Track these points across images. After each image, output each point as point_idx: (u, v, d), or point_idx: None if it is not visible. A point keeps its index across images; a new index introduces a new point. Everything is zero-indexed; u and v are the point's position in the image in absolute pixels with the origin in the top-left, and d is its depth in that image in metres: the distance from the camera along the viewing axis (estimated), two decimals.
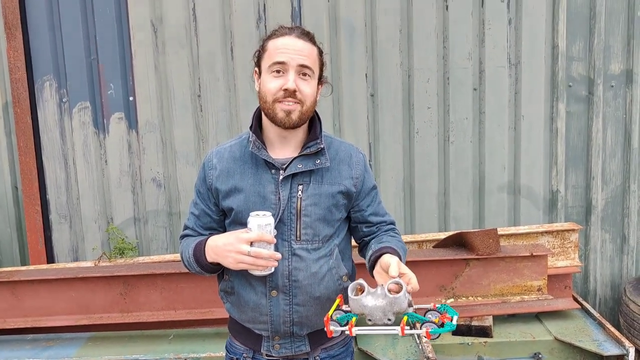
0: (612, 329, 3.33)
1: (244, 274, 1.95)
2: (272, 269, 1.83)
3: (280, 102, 1.86)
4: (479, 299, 3.41)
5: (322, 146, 1.94)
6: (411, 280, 1.71)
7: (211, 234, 1.99)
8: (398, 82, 4.09)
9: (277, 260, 1.82)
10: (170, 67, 4.09)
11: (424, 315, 1.75)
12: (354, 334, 1.70)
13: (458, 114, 4.12)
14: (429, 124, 4.12)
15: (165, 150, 4.18)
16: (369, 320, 1.69)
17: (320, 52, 1.96)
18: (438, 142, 4.16)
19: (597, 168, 4.16)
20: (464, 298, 3.40)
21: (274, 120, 1.89)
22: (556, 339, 3.32)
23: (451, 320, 1.70)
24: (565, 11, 4.01)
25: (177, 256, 3.80)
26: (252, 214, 1.80)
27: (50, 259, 4.27)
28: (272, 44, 1.88)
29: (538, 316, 3.60)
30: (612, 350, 3.19)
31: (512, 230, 3.76)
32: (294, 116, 1.87)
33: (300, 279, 1.94)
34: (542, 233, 3.74)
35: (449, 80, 4.09)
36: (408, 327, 1.67)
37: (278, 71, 1.85)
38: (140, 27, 4.06)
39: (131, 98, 4.13)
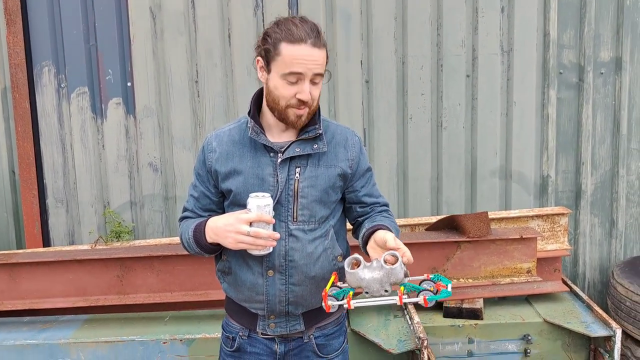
0: (600, 311, 3.40)
1: (241, 255, 2.01)
2: (271, 249, 1.89)
3: (293, 107, 1.91)
4: (470, 280, 3.47)
5: (320, 131, 1.99)
6: (406, 252, 1.77)
7: (210, 216, 2.05)
8: (392, 68, 4.13)
9: (276, 240, 1.87)
10: (168, 53, 4.11)
11: (420, 285, 1.82)
12: (352, 307, 1.76)
13: (451, 100, 4.16)
14: (423, 110, 4.17)
15: (162, 135, 4.20)
16: (366, 292, 1.75)
17: (326, 50, 1.98)
18: (431, 127, 4.20)
19: (586, 153, 4.22)
20: (455, 280, 3.45)
21: (284, 121, 1.95)
22: (545, 321, 3.38)
23: (446, 288, 1.77)
24: (556, 0, 4.06)
25: (174, 239, 3.85)
26: (251, 195, 1.86)
27: (47, 243, 4.28)
28: (288, 52, 1.85)
29: (528, 299, 3.66)
30: (600, 331, 3.26)
31: (504, 214, 3.82)
32: (304, 118, 1.94)
33: (296, 259, 2.00)
34: (532, 217, 3.80)
35: (442, 68, 4.13)
36: (405, 296, 1.74)
37: (292, 80, 1.88)
38: (140, 14, 4.08)
39: (129, 83, 4.15)
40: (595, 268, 4.37)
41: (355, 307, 1.78)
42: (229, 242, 1.87)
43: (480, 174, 4.22)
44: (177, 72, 4.14)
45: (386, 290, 1.74)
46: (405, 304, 3.45)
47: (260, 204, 1.83)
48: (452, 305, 3.47)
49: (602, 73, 4.17)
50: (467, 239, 3.41)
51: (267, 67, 1.92)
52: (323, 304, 1.79)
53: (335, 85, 4.13)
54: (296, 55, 1.85)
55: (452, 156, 4.22)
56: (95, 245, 3.87)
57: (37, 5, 4.08)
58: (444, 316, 3.49)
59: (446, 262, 3.46)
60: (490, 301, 3.61)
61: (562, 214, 3.81)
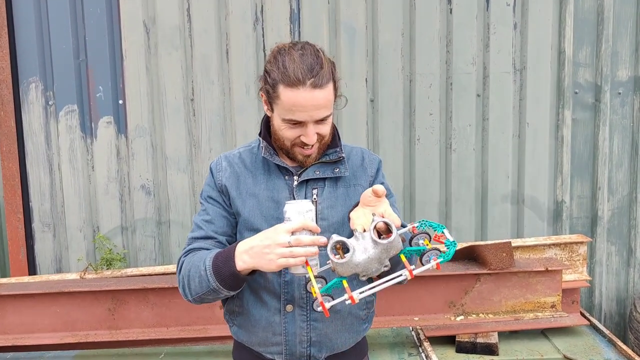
0: (624, 346, 3.24)
1: (255, 289, 1.79)
2: (317, 262, 1.59)
3: (299, 147, 1.74)
4: (490, 316, 3.30)
5: (342, 155, 1.83)
6: (390, 215, 1.54)
7: (229, 242, 1.81)
8: (399, 87, 3.98)
9: (322, 246, 1.58)
10: (162, 69, 3.96)
11: (410, 245, 1.56)
12: (357, 300, 1.49)
13: (461, 121, 4.01)
14: (431, 130, 4.01)
15: (155, 156, 4.04)
16: (363, 276, 1.51)
17: (333, 75, 1.75)
18: (440, 149, 4.05)
19: (603, 178, 4.06)
20: (474, 315, 3.29)
21: (293, 159, 1.80)
22: (565, 357, 3.21)
23: (445, 237, 1.52)
24: (572, 16, 3.91)
25: (168, 268, 3.69)
26: (288, 202, 1.60)
27: (32, 269, 4.11)
28: (286, 97, 1.67)
29: (544, 332, 3.49)
30: None
31: (519, 242, 3.66)
32: (314, 154, 1.78)
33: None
34: (549, 245, 3.65)
35: (451, 86, 3.98)
36: (413, 267, 1.49)
37: (295, 124, 1.70)
38: (132, 28, 3.94)
39: (121, 101, 4.00)
40: (612, 299, 4.20)
41: (360, 299, 1.50)
42: (270, 261, 1.55)
43: (491, 198, 4.07)
44: (172, 90, 3.98)
45: (386, 266, 1.50)
46: (419, 339, 3.26)
47: (300, 209, 1.56)
48: (466, 340, 3.30)
49: (619, 93, 4.02)
50: (488, 271, 3.24)
51: (270, 106, 1.76)
52: (320, 308, 1.53)
53: (338, 103, 3.92)
54: (294, 102, 1.66)
55: (462, 180, 4.06)
56: (85, 274, 3.66)
57: (24, 18, 3.93)
58: (457, 351, 3.31)
59: (464, 295, 3.29)
60: (503, 334, 3.43)
61: (581, 243, 3.64)
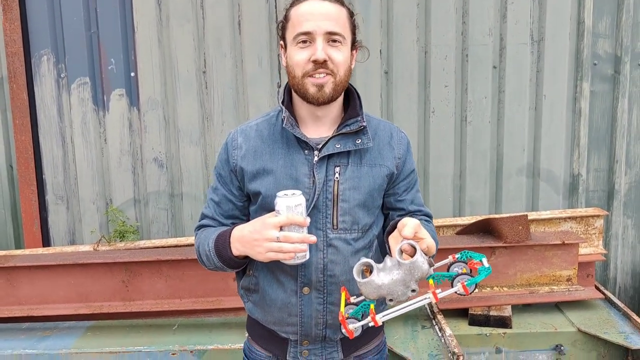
0: (639, 320, 3.19)
1: (270, 269, 1.76)
2: (307, 256, 1.61)
3: (310, 75, 1.67)
4: (505, 289, 3.27)
5: (363, 124, 1.75)
6: (426, 240, 1.52)
7: (234, 224, 1.79)
8: (414, 58, 3.92)
9: (312, 245, 1.62)
10: (174, 41, 3.92)
11: (448, 271, 1.55)
12: (379, 323, 1.50)
13: (477, 93, 3.95)
14: (446, 103, 3.96)
15: (167, 129, 4.02)
16: (390, 300, 1.49)
17: (351, 14, 1.76)
18: (455, 122, 3.99)
19: (621, 151, 4.00)
20: (488, 288, 3.26)
21: (305, 97, 1.71)
22: (579, 330, 3.18)
23: (481, 265, 1.51)
24: None
25: (181, 240, 3.68)
26: (279, 194, 1.59)
27: (46, 241, 4.13)
28: (294, 12, 1.69)
29: (558, 306, 3.46)
30: None
31: (534, 215, 3.62)
32: (327, 89, 1.69)
33: (336, 274, 1.74)
34: (565, 219, 3.61)
35: (467, 58, 3.92)
36: (439, 290, 1.48)
37: (304, 42, 1.66)
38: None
39: (133, 74, 3.97)
40: (627, 272, 4.17)
41: (384, 321, 1.52)
42: (258, 253, 1.60)
43: (506, 171, 4.02)
44: (184, 62, 3.95)
45: (413, 290, 1.48)
46: (432, 311, 3.24)
47: (290, 204, 1.56)
48: (479, 313, 3.27)
49: (639, 64, 3.94)
50: (503, 244, 3.20)
51: (284, 43, 1.74)
52: (344, 330, 1.54)
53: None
54: (302, 11, 1.67)
55: (477, 152, 4.01)
56: (98, 246, 3.66)
57: None
58: (470, 324, 3.29)
59: None
60: (517, 307, 3.41)
61: (597, 216, 3.59)
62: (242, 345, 2.73)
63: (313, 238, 1.59)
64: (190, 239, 3.61)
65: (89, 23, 3.92)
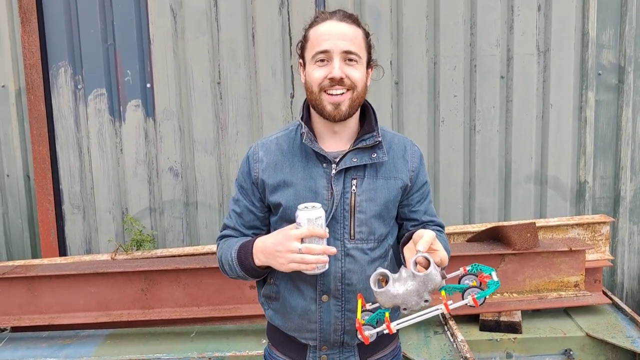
0: None
1: (291, 278, 1.83)
2: (326, 266, 1.69)
3: (326, 91, 1.74)
4: (514, 295, 3.35)
5: (379, 139, 1.81)
6: (439, 252, 1.60)
7: (257, 235, 1.87)
8: (424, 69, 4.00)
9: (332, 255, 1.69)
10: (189, 53, 4.00)
11: (459, 283, 1.63)
12: (394, 331, 1.58)
13: (485, 103, 4.03)
14: (455, 112, 4.04)
15: (183, 139, 4.09)
16: (404, 309, 1.57)
17: (367, 34, 1.83)
18: (464, 131, 4.07)
19: (626, 158, 4.08)
20: (498, 295, 3.33)
21: (322, 113, 1.78)
22: (588, 335, 3.26)
23: (491, 278, 1.59)
24: None
25: (197, 249, 3.75)
26: (300, 207, 1.66)
27: (63, 251, 4.19)
28: (313, 33, 1.77)
29: (567, 311, 3.54)
30: None
31: (542, 222, 3.70)
32: (344, 107, 1.76)
33: (354, 282, 1.81)
34: (572, 225, 3.69)
35: (476, 68, 4.00)
36: (451, 302, 1.55)
37: (322, 60, 1.74)
38: (159, 12, 3.97)
39: (148, 85, 4.04)
40: (634, 278, 4.24)
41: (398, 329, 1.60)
42: (281, 264, 1.68)
43: (514, 179, 4.10)
44: (199, 73, 4.02)
45: (426, 301, 1.55)
46: (444, 317, 3.32)
47: (311, 216, 1.63)
48: (489, 318, 3.36)
49: None
50: (512, 252, 3.29)
51: (303, 62, 1.82)
52: (359, 336, 1.62)
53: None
54: (320, 32, 1.75)
55: (486, 161, 4.08)
56: (115, 254, 3.74)
57: (53, 3, 3.98)
58: (481, 329, 3.37)
59: None
60: (527, 313, 3.50)
61: (604, 223, 3.68)
62: (260, 351, 2.82)
63: (333, 249, 1.67)
64: (207, 247, 3.69)
65: (105, 35, 4.00)
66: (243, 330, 3.34)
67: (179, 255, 3.64)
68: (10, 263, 3.76)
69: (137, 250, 3.88)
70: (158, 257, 3.62)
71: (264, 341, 3.07)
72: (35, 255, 4.24)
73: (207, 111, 4.04)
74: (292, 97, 4.02)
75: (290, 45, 3.98)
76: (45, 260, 3.76)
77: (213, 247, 3.63)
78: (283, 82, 4.00)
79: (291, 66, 3.99)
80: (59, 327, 3.44)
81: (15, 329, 3.45)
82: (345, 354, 1.91)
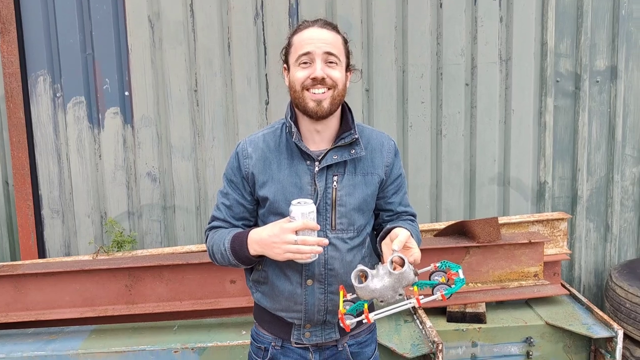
0: (601, 313, 3.45)
1: (278, 264, 1.98)
2: (317, 256, 1.86)
3: (309, 89, 1.90)
4: (479, 285, 3.52)
5: (356, 136, 1.97)
6: (414, 253, 1.79)
7: (246, 225, 2.04)
8: (393, 77, 4.16)
9: (324, 246, 1.85)
10: (167, 62, 4.09)
11: (429, 279, 1.84)
12: (372, 320, 1.77)
13: (451, 109, 4.21)
14: (423, 118, 4.20)
15: (160, 145, 4.17)
16: (381, 301, 1.76)
17: (345, 41, 2.02)
18: (431, 135, 4.24)
19: (582, 160, 4.31)
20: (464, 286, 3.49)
21: (305, 111, 1.93)
22: (547, 324, 3.43)
23: (458, 275, 1.79)
24: (554, 10, 4.14)
25: (176, 249, 3.80)
26: (293, 202, 1.83)
27: (42, 254, 4.23)
28: (297, 38, 1.93)
29: (528, 302, 3.71)
30: (602, 332, 3.31)
31: (505, 219, 3.86)
32: (326, 104, 1.91)
33: (336, 268, 1.98)
34: (532, 222, 3.86)
35: (442, 76, 4.18)
36: (422, 296, 1.75)
37: (305, 62, 1.89)
38: (138, 23, 4.05)
39: (127, 93, 4.11)
40: (590, 272, 4.46)
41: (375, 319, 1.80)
42: (277, 253, 1.84)
43: (479, 181, 4.28)
44: (176, 82, 4.12)
45: (400, 295, 1.76)
46: (414, 308, 3.49)
47: (304, 211, 1.80)
48: (456, 310, 3.50)
49: (597, 81, 4.26)
50: (477, 244, 3.46)
51: (287, 66, 1.98)
52: (341, 324, 1.81)
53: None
54: (303, 37, 1.91)
55: (452, 164, 4.26)
56: (97, 255, 3.81)
57: (32, 14, 4.03)
58: (448, 320, 3.51)
59: None
60: (491, 305, 3.65)
61: (562, 219, 3.87)
62: (239, 342, 2.99)
63: (325, 241, 1.85)
64: (186, 248, 3.77)
65: (84, 45, 4.06)
66: (224, 323, 3.44)
67: (165, 254, 3.71)
68: None
69: (117, 251, 3.96)
70: (144, 256, 3.69)
71: (244, 332, 3.24)
72: (14, 260, 4.26)
73: (184, 118, 4.14)
74: (267, 104, 4.14)
75: (265, 54, 4.11)
76: (35, 261, 3.80)
77: (192, 247, 3.72)
78: (258, 90, 4.12)
79: (266, 74, 4.12)
80: (45, 324, 3.50)
81: (1, 326, 3.50)
82: (327, 330, 2.09)
